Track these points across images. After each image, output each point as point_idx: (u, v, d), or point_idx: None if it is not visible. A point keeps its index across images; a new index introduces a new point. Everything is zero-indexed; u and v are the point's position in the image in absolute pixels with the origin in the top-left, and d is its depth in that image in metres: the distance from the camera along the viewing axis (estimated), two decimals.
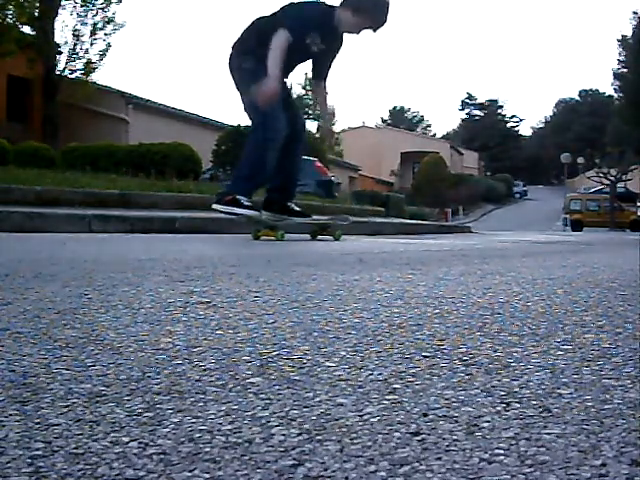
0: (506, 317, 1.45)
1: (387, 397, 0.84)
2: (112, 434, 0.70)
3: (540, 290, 1.95)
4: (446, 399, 0.83)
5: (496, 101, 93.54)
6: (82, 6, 19.66)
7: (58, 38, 19.68)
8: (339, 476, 0.60)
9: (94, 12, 19.77)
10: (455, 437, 0.70)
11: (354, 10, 4.68)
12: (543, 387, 0.89)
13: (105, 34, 19.93)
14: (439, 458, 0.64)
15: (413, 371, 0.97)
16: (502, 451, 0.66)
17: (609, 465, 0.63)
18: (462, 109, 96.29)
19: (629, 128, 42.91)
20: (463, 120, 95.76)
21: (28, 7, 17.89)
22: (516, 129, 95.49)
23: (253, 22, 4.86)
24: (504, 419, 0.76)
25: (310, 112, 38.95)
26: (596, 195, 36.07)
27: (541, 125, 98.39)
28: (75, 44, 19.77)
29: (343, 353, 1.07)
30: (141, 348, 1.08)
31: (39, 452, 0.64)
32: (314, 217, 5.50)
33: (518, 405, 0.81)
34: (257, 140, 4.71)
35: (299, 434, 0.70)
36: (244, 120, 5.65)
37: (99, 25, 19.83)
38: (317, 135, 16.56)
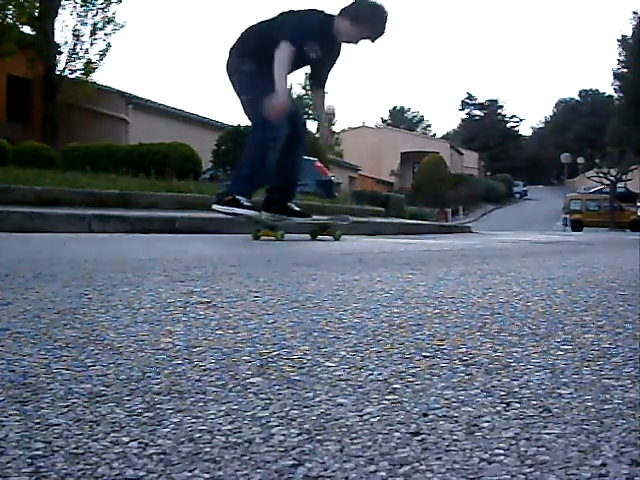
0: (506, 317, 1.45)
1: (387, 397, 0.84)
2: (112, 434, 0.70)
3: (540, 290, 1.95)
4: (446, 399, 0.83)
5: (496, 101, 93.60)
6: (82, 6, 19.66)
7: (58, 38, 19.72)
8: (339, 476, 0.60)
9: (94, 12, 19.79)
10: (455, 437, 0.70)
11: (352, 20, 4.68)
12: (543, 387, 0.89)
13: (105, 34, 19.95)
14: (439, 458, 0.64)
15: (413, 371, 0.97)
16: (502, 451, 0.66)
17: (609, 465, 0.63)
18: (462, 109, 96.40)
19: (629, 128, 42.90)
20: (463, 120, 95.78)
21: (28, 7, 17.88)
22: (516, 129, 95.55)
23: (253, 26, 4.87)
24: (504, 419, 0.76)
25: (310, 112, 38.95)
26: (596, 195, 36.06)
27: (541, 125, 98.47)
28: (75, 44, 19.78)
29: (343, 353, 1.07)
30: (141, 348, 1.08)
31: (39, 452, 0.64)
32: (314, 217, 5.50)
33: (518, 405, 0.81)
34: (257, 140, 4.71)
35: (299, 434, 0.70)
36: (244, 120, 5.66)
37: (99, 25, 19.83)
38: (317, 135, 16.56)
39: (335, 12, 4.79)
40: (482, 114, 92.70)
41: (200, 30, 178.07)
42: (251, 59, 4.71)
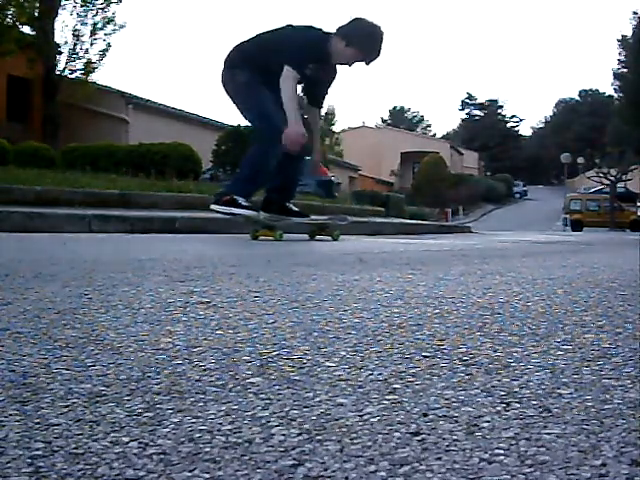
0: (506, 317, 1.45)
1: (387, 397, 0.84)
2: (112, 434, 0.70)
3: (540, 290, 1.95)
4: (446, 399, 0.83)
5: (496, 101, 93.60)
6: (82, 6, 19.65)
7: (58, 38, 19.71)
8: (339, 476, 0.60)
9: (94, 12, 19.78)
10: (455, 437, 0.70)
11: (348, 42, 4.64)
12: (543, 387, 0.89)
13: (105, 34, 19.94)
14: (439, 458, 0.64)
15: (413, 371, 0.97)
16: (502, 451, 0.66)
17: (609, 465, 0.63)
18: (462, 109, 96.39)
19: (629, 128, 42.87)
20: (463, 120, 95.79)
21: (28, 7, 17.88)
22: (516, 129, 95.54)
23: (250, 38, 4.86)
24: (504, 419, 0.76)
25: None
26: (596, 195, 36.07)
27: (541, 125, 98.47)
28: (75, 44, 19.77)
29: (343, 353, 1.07)
30: (141, 348, 1.08)
31: (39, 452, 0.64)
32: (312, 217, 5.50)
33: (518, 405, 0.81)
34: (259, 143, 4.74)
35: (299, 434, 0.70)
36: (244, 120, 5.64)
37: (99, 25, 19.83)
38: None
39: (332, 30, 4.75)
40: (482, 114, 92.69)
41: (200, 30, 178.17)
42: (247, 69, 4.71)
